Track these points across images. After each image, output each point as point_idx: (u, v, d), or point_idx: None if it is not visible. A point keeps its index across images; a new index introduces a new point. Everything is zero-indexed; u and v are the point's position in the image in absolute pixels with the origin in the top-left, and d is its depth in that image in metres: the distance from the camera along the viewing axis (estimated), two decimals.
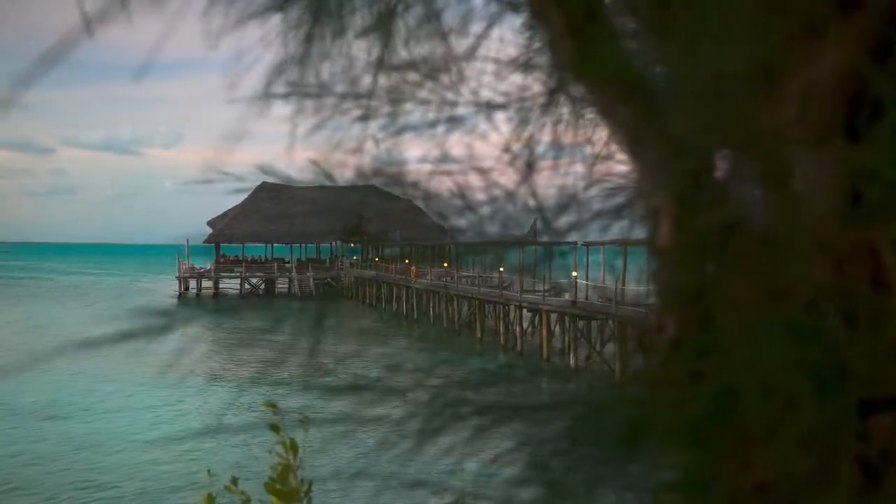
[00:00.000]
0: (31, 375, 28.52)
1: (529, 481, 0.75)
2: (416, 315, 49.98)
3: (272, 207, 74.05)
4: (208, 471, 2.87)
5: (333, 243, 75.64)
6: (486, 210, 0.90)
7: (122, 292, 77.14)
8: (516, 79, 1.01)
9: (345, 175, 1.07)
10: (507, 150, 0.93)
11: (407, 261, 61.42)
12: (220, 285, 68.26)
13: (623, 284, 29.43)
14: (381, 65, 1.13)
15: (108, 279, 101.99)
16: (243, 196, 75.57)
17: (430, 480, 0.96)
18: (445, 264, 53.59)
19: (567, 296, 33.95)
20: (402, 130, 0.93)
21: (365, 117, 0.94)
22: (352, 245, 78.59)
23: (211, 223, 72.94)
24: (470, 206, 0.88)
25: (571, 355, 30.25)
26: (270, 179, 1.12)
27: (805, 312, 0.64)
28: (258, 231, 71.87)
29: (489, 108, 0.93)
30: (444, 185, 0.91)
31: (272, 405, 2.22)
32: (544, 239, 1.11)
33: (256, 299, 66.70)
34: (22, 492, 15.68)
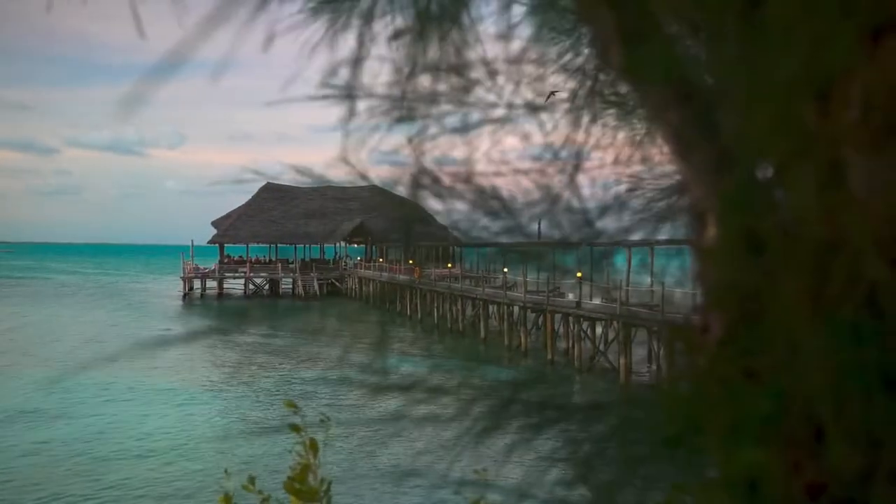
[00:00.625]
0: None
1: (578, 482, 0.75)
2: (420, 315, 50.00)
3: (276, 208, 74.19)
4: (225, 470, 2.88)
5: (337, 244, 75.79)
6: (528, 212, 0.91)
7: (126, 293, 77.35)
8: (557, 80, 1.02)
9: (384, 177, 1.08)
10: (549, 151, 0.93)
11: (411, 261, 61.45)
12: (225, 286, 68.36)
13: (627, 285, 29.47)
14: (414, 67, 1.13)
15: (112, 280, 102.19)
16: (247, 197, 75.90)
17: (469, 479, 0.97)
18: (449, 265, 53.62)
19: (571, 296, 33.97)
20: (441, 132, 0.93)
21: (404, 119, 0.95)
22: (355, 245, 78.76)
23: (215, 223, 73.09)
24: (511, 209, 0.89)
25: (576, 356, 30.25)
26: (307, 179, 1.12)
27: (861, 312, 0.65)
28: (262, 231, 71.98)
29: (529, 109, 0.94)
30: (487, 186, 0.91)
31: (292, 405, 2.23)
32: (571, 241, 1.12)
33: (260, 299, 66.81)
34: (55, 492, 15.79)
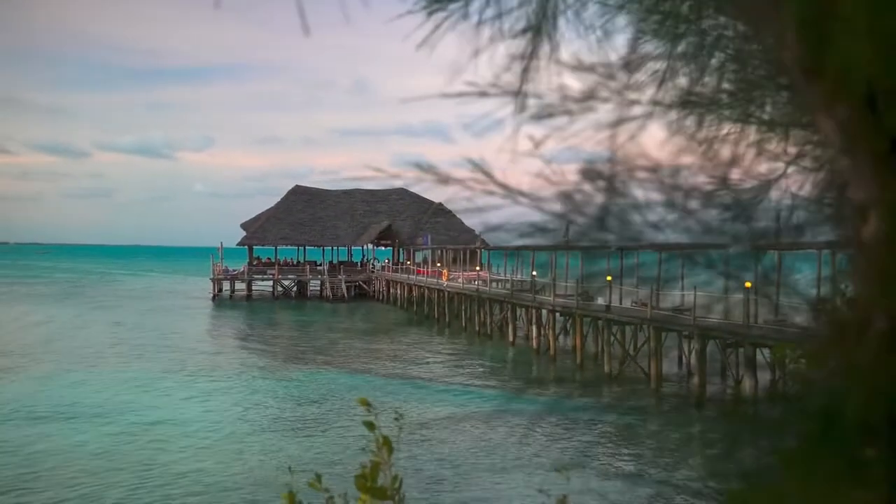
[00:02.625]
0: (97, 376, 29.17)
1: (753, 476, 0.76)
2: (447, 318, 50.00)
3: (305, 210, 74.68)
4: (289, 467, 2.92)
5: (365, 246, 76.07)
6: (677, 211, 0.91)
7: (157, 294, 78.41)
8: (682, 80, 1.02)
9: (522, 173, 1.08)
10: (694, 146, 0.94)
11: (439, 264, 61.51)
12: (253, 287, 68.98)
13: (658, 289, 29.20)
14: (530, 63, 1.14)
15: (143, 281, 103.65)
16: (275, 199, 76.52)
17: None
18: (478, 268, 53.57)
19: (601, 300, 33.76)
20: (588, 128, 0.94)
21: (543, 116, 0.96)
22: (382, 248, 79.00)
23: (244, 226, 73.77)
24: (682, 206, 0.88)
25: (606, 361, 30.03)
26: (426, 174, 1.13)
27: None
28: (291, 234, 72.51)
29: (667, 107, 0.95)
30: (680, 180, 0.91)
31: (365, 402, 2.25)
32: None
33: (288, 301, 67.30)
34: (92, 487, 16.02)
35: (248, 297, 67.70)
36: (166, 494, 15.50)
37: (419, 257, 70.04)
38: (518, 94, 0.97)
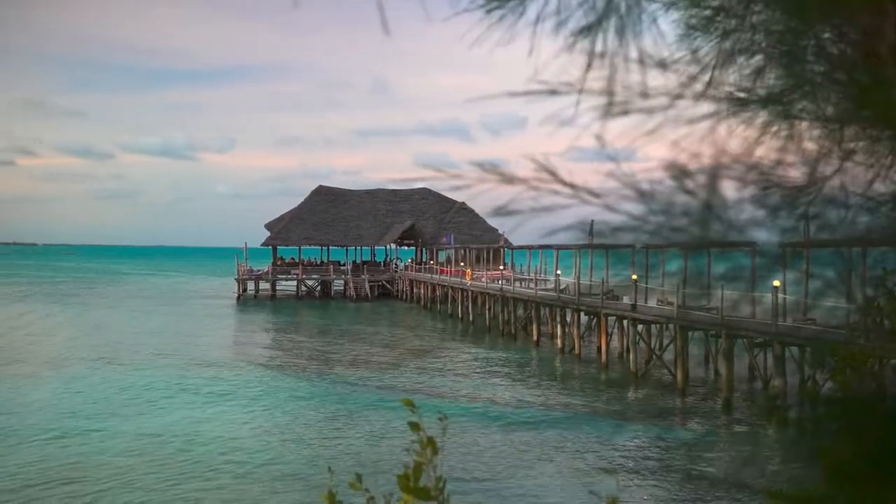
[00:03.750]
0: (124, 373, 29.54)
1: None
2: (471, 317, 49.99)
3: (328, 211, 75.04)
4: (329, 467, 2.92)
5: (388, 246, 76.28)
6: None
7: (182, 295, 79.23)
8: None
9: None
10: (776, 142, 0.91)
11: (462, 263, 61.50)
12: (277, 287, 69.46)
13: (685, 288, 28.95)
14: (591, 60, 1.12)
15: (168, 281, 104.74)
16: (298, 200, 76.95)
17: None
18: (501, 267, 53.48)
19: (626, 299, 33.56)
20: (664, 124, 0.91)
21: (618, 113, 0.94)
22: (405, 248, 79.17)
23: (268, 226, 74.27)
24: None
25: (631, 360, 29.83)
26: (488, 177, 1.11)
27: None
28: (314, 234, 72.90)
29: (739, 103, 0.92)
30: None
31: (410, 403, 2.23)
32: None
33: (312, 301, 67.66)
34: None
35: (273, 296, 68.16)
36: (198, 493, 15.62)
37: (442, 256, 70.08)
38: (602, 92, 0.94)
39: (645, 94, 0.93)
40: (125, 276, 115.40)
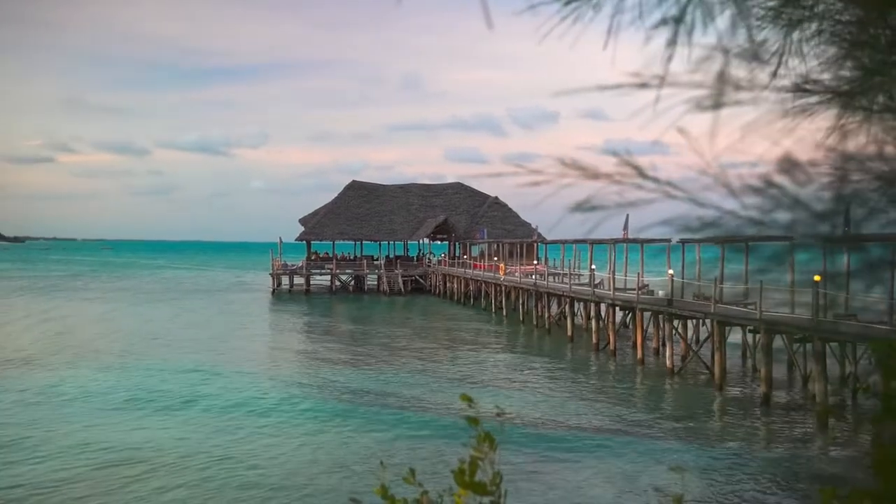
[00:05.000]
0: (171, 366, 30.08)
1: None
2: (504, 312, 49.91)
3: (361, 206, 75.41)
4: (381, 462, 2.93)
5: (421, 240, 76.43)
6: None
7: (219, 289, 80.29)
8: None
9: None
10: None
11: (496, 258, 61.41)
12: (312, 281, 70.06)
13: (721, 282, 28.57)
14: (672, 52, 1.10)
15: (205, 275, 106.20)
16: (331, 195, 77.51)
17: None
18: (535, 261, 53.29)
19: (661, 294, 33.22)
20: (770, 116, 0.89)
21: (710, 106, 0.92)
22: (438, 242, 79.25)
23: (302, 221, 74.88)
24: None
25: (668, 355, 29.52)
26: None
27: None
28: (348, 229, 73.36)
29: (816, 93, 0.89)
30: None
31: (467, 398, 2.23)
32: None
33: (346, 295, 68.11)
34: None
35: (307, 291, 68.74)
36: (241, 485, 15.81)
37: (475, 251, 70.04)
38: (695, 84, 0.92)
39: (740, 87, 0.91)
40: (161, 271, 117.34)
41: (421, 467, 2.86)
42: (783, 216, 0.84)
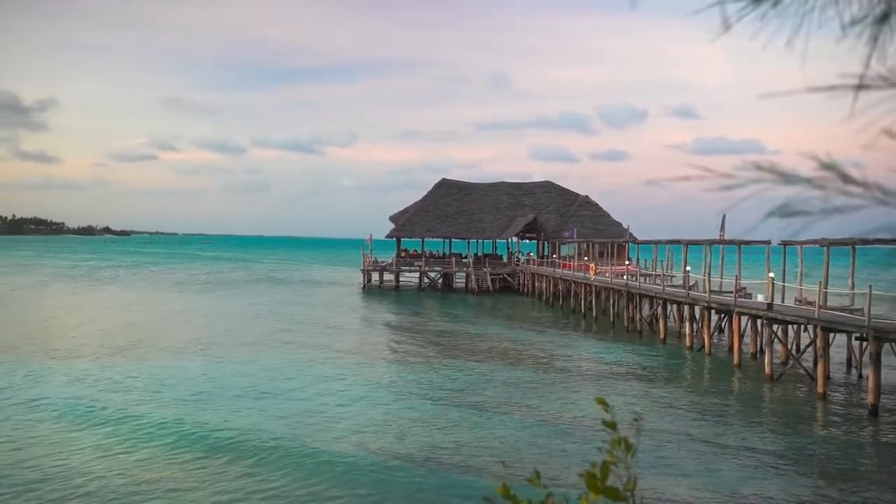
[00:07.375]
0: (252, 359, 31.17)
1: None
2: (594, 313, 49.22)
3: (451, 204, 75.84)
4: (503, 462, 2.96)
5: (510, 239, 76.23)
6: None
7: (312, 283, 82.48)
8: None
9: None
10: None
11: (586, 258, 60.61)
12: (401, 278, 71.00)
13: (825, 287, 27.30)
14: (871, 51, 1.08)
15: (298, 271, 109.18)
16: (418, 193, 78.24)
17: None
18: (626, 262, 52.31)
19: (760, 297, 32.03)
20: None
21: None
22: (527, 241, 78.84)
23: (393, 218, 75.93)
24: None
25: (766, 361, 28.42)
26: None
27: None
28: (437, 226, 73.94)
29: None
30: None
31: (602, 402, 2.23)
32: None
33: (434, 292, 68.65)
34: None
35: (396, 287, 69.69)
36: (334, 476, 16.13)
37: (565, 251, 69.33)
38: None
39: None
40: (258, 265, 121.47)
41: (528, 469, 2.87)
42: None
